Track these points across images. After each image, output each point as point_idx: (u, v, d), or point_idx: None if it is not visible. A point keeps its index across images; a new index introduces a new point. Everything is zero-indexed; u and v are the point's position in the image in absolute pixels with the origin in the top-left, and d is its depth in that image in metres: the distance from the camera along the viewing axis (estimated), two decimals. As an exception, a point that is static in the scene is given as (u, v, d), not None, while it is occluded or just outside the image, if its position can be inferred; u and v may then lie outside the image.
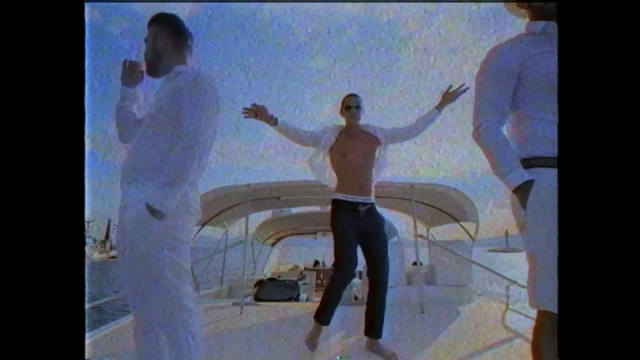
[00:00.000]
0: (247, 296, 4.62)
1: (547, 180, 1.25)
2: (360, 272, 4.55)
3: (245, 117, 2.39)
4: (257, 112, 2.39)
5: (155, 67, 1.61)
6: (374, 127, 2.67)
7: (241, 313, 3.48)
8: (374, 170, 2.62)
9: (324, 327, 2.45)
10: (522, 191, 1.28)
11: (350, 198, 2.53)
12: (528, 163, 1.31)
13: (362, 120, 2.66)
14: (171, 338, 1.44)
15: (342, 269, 2.46)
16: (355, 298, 5.62)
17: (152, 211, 1.39)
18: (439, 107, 2.55)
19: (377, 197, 2.64)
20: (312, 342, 2.41)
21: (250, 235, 5.25)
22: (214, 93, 1.49)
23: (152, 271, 1.41)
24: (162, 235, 1.41)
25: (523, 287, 3.60)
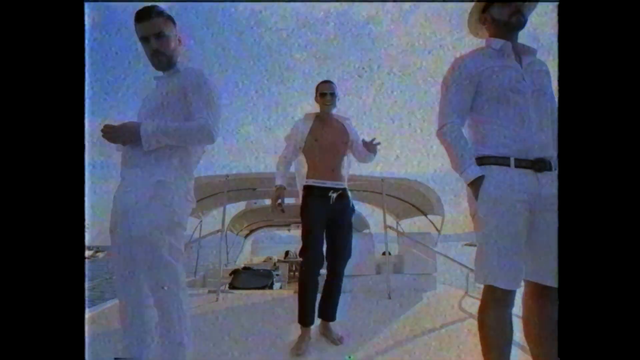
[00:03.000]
0: (222, 285, 4.72)
1: (495, 176, 1.45)
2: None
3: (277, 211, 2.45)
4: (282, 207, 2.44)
5: (170, 63, 1.67)
6: (349, 123, 2.61)
7: (217, 300, 3.61)
8: (346, 158, 2.56)
9: (309, 329, 2.37)
10: (475, 185, 1.46)
11: (320, 183, 2.46)
12: (481, 161, 1.49)
13: (340, 111, 2.61)
14: (164, 313, 1.53)
15: (308, 256, 2.37)
16: None
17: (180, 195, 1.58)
18: (370, 151, 2.51)
19: (350, 190, 2.56)
20: (299, 349, 2.27)
21: (225, 225, 5.33)
22: (216, 89, 1.63)
23: (152, 252, 1.50)
24: (164, 219, 1.52)
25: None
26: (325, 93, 2.51)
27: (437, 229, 5.20)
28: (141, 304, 1.60)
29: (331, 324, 2.51)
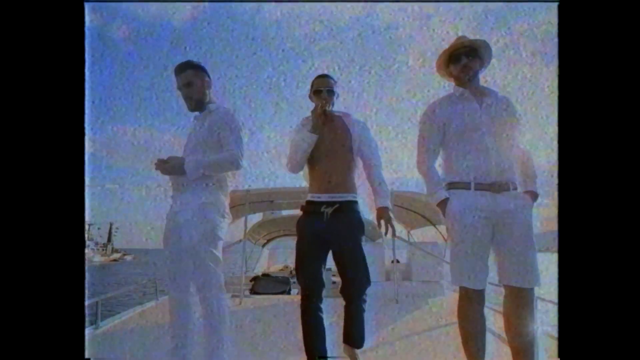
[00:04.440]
0: (244, 290, 5.11)
1: (459, 198, 1.78)
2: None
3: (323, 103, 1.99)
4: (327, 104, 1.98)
5: (201, 103, 2.02)
6: (351, 120, 2.11)
7: (240, 303, 3.97)
8: (350, 164, 2.07)
9: None
10: (442, 205, 1.81)
11: (315, 198, 2.00)
12: (449, 186, 1.83)
13: (351, 109, 2.17)
14: (207, 309, 1.86)
15: (302, 288, 2.02)
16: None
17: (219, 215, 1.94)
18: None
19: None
20: None
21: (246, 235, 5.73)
22: (241, 123, 1.98)
23: (197, 260, 1.84)
24: (207, 234, 1.86)
25: (494, 285, 4.16)
26: (321, 90, 2.04)
27: (444, 239, 5.45)
28: (187, 302, 1.95)
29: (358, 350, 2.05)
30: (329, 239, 1.97)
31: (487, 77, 1.93)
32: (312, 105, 2.11)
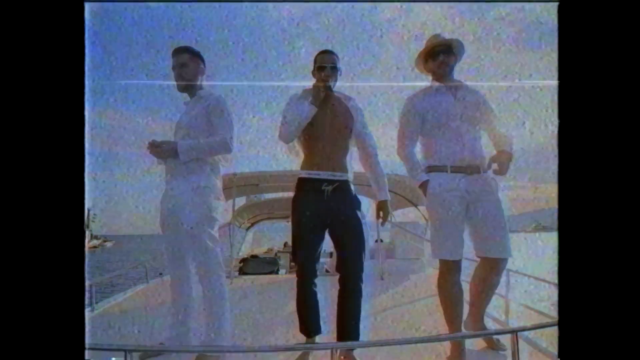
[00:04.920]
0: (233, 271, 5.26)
1: (437, 180, 1.96)
2: (331, 253, 5.07)
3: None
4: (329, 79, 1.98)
5: (191, 87, 2.09)
6: (354, 104, 2.09)
7: (231, 283, 4.12)
8: (349, 146, 2.08)
9: (314, 339, 2.01)
10: (423, 186, 1.99)
11: (314, 175, 1.98)
12: (428, 169, 2.01)
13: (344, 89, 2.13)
14: (207, 287, 1.96)
15: (298, 265, 2.00)
16: (327, 271, 6.32)
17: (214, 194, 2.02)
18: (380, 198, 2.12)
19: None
20: None
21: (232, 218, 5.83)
22: (230, 109, 2.05)
23: (197, 239, 1.94)
24: (204, 215, 1.95)
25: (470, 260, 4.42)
26: (325, 66, 2.01)
27: (425, 219, 5.69)
28: (188, 281, 2.07)
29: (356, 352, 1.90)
30: (328, 217, 1.96)
31: (480, 62, 2.07)
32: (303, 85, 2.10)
